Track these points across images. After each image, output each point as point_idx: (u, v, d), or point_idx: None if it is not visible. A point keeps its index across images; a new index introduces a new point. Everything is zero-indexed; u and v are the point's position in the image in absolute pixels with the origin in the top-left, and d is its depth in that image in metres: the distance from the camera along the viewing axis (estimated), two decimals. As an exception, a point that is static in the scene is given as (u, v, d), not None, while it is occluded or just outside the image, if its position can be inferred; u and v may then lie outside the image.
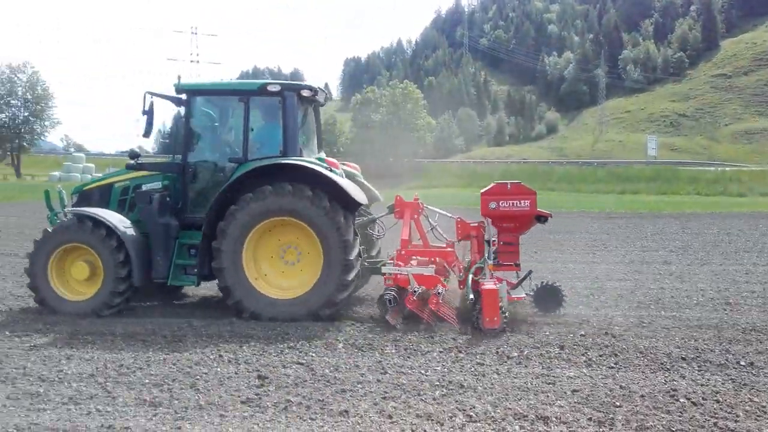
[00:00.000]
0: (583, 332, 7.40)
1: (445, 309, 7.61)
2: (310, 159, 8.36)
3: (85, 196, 8.88)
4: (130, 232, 8.10)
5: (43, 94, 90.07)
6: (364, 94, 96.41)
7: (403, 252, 8.36)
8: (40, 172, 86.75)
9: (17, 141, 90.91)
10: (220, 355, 6.44)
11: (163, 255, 8.15)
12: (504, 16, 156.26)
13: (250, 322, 7.73)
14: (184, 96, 8.56)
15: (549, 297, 8.26)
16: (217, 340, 7.05)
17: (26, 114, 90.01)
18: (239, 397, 5.31)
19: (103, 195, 8.80)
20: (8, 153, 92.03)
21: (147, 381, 5.67)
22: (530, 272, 8.39)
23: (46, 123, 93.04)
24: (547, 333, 7.36)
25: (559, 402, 5.24)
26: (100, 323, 7.64)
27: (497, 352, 6.58)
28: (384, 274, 8.12)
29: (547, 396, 5.38)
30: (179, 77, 8.57)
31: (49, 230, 8.24)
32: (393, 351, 6.68)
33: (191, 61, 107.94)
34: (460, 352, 6.62)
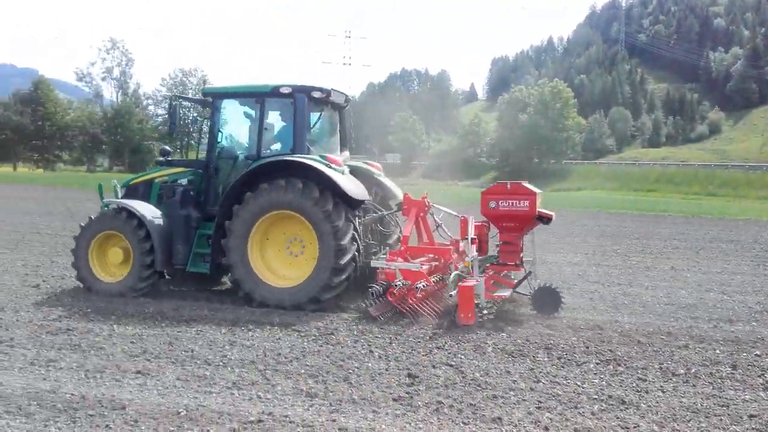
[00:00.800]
0: (758, 352, 6.73)
1: (425, 304, 7.79)
2: (312, 156, 8.56)
3: (131, 190, 9.62)
4: (158, 222, 8.83)
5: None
6: (511, 93, 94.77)
7: (402, 248, 8.50)
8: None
9: (186, 140, 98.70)
10: (371, 351, 6.53)
11: (183, 243, 8.88)
12: (665, 10, 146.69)
13: (400, 319, 7.79)
14: (209, 99, 9.30)
15: (547, 299, 8.11)
16: (367, 335, 7.15)
17: (196, 115, 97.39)
18: (391, 394, 5.33)
19: (145, 189, 9.54)
20: (179, 150, 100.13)
21: (303, 371, 5.85)
22: (530, 273, 8.41)
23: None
24: (717, 351, 6.76)
25: (734, 427, 4.78)
26: (260, 313, 8.03)
27: (660, 368, 6.13)
28: (376, 268, 8.31)
29: (720, 420, 4.91)
30: (204, 82, 8.94)
31: (92, 218, 9.11)
32: (546, 359, 6.42)
33: (344, 64, 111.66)
34: (619, 365, 6.23)
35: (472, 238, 8.33)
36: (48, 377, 5.51)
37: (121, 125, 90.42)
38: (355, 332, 7.28)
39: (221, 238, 8.49)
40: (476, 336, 7.17)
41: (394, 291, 7.74)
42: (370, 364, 6.10)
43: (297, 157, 8.44)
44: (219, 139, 9.31)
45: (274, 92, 8.82)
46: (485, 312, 7.66)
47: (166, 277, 9.28)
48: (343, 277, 8.16)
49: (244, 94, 9.41)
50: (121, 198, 9.48)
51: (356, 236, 8.35)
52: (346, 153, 9.83)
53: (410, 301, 7.78)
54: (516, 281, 8.55)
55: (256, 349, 6.53)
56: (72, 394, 5.07)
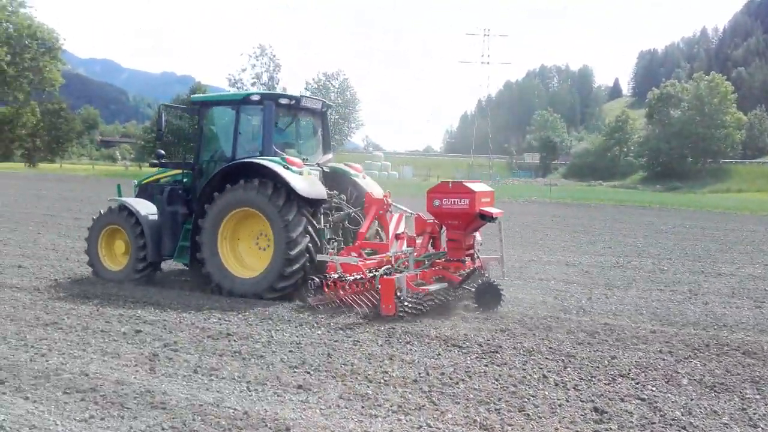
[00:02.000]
0: None
1: (361, 296, 8.08)
2: (272, 158, 9.06)
3: (143, 189, 10.56)
4: (151, 218, 9.80)
5: (351, 99, 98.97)
6: (662, 88, 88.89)
7: (356, 243, 9.04)
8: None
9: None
10: (544, 376, 5.86)
11: (170, 237, 9.81)
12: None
13: (571, 339, 7.07)
14: (196, 107, 10.21)
15: (488, 295, 8.36)
16: (536, 355, 6.49)
17: (336, 117, 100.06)
18: (577, 431, 4.66)
19: (152, 188, 10.46)
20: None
21: (471, 396, 5.31)
22: (474, 269, 8.59)
23: (353, 125, 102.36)
24: None
25: None
26: (415, 324, 7.61)
27: None
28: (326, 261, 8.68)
29: None
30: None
31: (101, 213, 10.28)
32: (757, 396, 5.44)
33: (482, 63, 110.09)
34: None
35: (396, 234, 8.92)
36: (211, 388, 5.37)
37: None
38: (521, 351, 6.64)
39: (196, 235, 9.30)
40: (664, 363, 6.29)
41: (329, 283, 8.14)
42: (546, 393, 5.43)
43: (256, 159, 9.07)
44: (203, 143, 10.11)
45: (246, 100, 9.68)
46: (407, 304, 7.75)
47: (160, 269, 10.43)
48: (296, 267, 8.66)
49: (223, 102, 10.41)
50: (135, 196, 10.44)
51: (310, 230, 8.82)
52: (329, 155, 10.57)
53: (341, 293, 8.13)
54: (462, 277, 8.56)
55: (417, 366, 6.08)
56: (235, 409, 4.86)
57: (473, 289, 8.59)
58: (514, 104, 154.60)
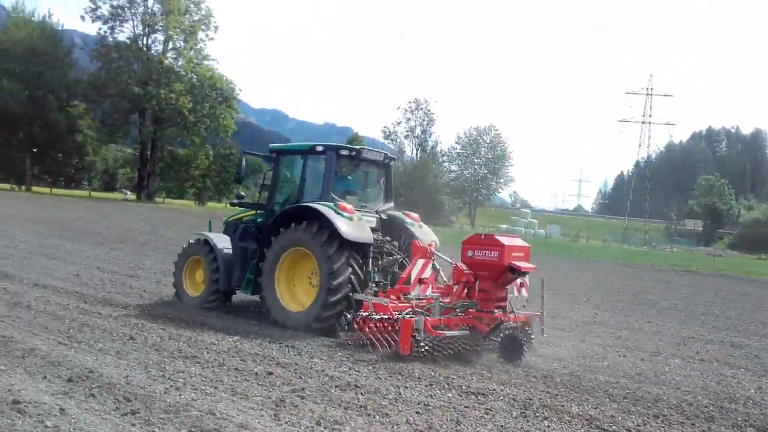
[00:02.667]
0: None
1: (384, 336, 8.40)
2: (326, 204, 9.63)
3: (227, 225, 11.47)
4: (226, 251, 10.78)
5: (502, 154, 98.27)
6: None
7: (397, 287, 9.49)
8: (490, 224, 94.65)
9: (475, 195, 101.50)
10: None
11: (240, 269, 10.63)
12: None
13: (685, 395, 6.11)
14: (273, 155, 11.05)
15: (511, 347, 8.55)
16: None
17: (485, 171, 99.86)
18: None
19: (233, 225, 11.31)
20: (466, 205, 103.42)
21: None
22: (501, 322, 8.79)
23: (501, 180, 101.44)
24: None
25: None
26: (555, 399, 6.99)
27: None
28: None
29: None
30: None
31: (187, 245, 11.36)
32: None
33: (643, 122, 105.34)
34: None
35: (420, 279, 9.10)
36: (332, 444, 5.16)
37: (417, 180, 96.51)
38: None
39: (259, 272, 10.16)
40: None
41: (358, 320, 8.54)
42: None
43: (311, 204, 9.75)
44: (276, 187, 11.01)
45: (312, 150, 10.37)
46: (423, 345, 8.02)
47: (230, 300, 11.29)
48: (338, 296, 9.18)
49: (294, 151, 11.11)
50: (222, 232, 11.34)
51: (352, 263, 9.37)
52: (390, 204, 11.14)
53: (366, 330, 8.45)
54: (507, 330, 8.87)
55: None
56: (353, 472, 4.59)
57: (498, 341, 8.86)
58: (677, 167, 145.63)
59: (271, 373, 7.06)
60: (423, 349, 8.05)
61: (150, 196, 73.23)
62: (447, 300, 9.14)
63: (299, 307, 9.70)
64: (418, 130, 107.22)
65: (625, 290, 21.75)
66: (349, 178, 11.04)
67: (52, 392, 5.74)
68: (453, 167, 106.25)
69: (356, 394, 6.59)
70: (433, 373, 7.67)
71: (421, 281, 9.13)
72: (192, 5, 73.35)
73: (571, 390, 7.50)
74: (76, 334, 8.18)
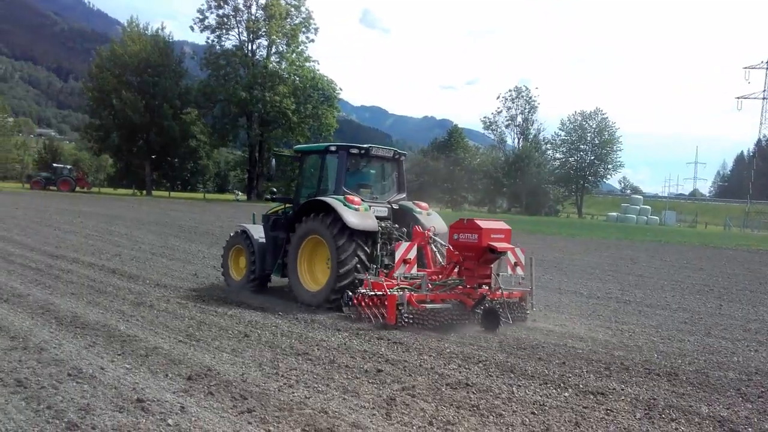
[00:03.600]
0: None
1: (367, 308, 9.57)
2: (336, 197, 10.78)
3: (266, 218, 12.51)
4: (260, 240, 12.05)
5: (610, 139, 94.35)
6: None
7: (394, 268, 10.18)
8: (598, 212, 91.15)
9: (581, 183, 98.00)
10: None
11: (272, 256, 11.92)
12: None
13: None
14: (298, 154, 12.61)
15: (490, 318, 9.46)
16: None
17: (592, 158, 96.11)
18: None
19: (269, 218, 12.47)
20: (573, 193, 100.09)
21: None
22: (484, 297, 9.66)
23: (610, 166, 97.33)
24: None
25: None
26: (681, 398, 6.52)
27: None
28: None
29: None
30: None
31: (231, 235, 12.84)
32: None
33: (764, 98, 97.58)
34: None
35: (404, 260, 9.91)
36: (446, 445, 5.03)
37: (520, 169, 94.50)
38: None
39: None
40: None
41: (357, 297, 9.70)
42: None
43: (323, 198, 10.89)
44: (301, 183, 12.38)
45: (327, 150, 11.63)
46: (405, 317, 9.14)
47: (267, 283, 12.42)
48: (344, 282, 10.32)
49: (314, 151, 12.20)
50: (261, 224, 12.53)
51: (359, 254, 10.49)
52: (402, 195, 12.18)
53: (362, 305, 9.63)
54: (486, 304, 9.69)
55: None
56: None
57: (480, 312, 9.71)
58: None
59: (380, 371, 7.03)
60: (405, 320, 9.20)
61: (260, 195, 76.13)
62: (440, 278, 10.25)
63: (317, 287, 10.87)
64: (519, 119, 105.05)
65: (752, 279, 20.20)
66: (363, 172, 12.15)
67: (173, 390, 5.96)
68: (557, 155, 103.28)
69: (468, 392, 6.43)
70: (546, 371, 7.39)
71: (405, 261, 9.98)
72: (293, 9, 75.45)
73: (699, 388, 7.00)
74: (194, 332, 8.52)
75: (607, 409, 6.10)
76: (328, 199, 10.72)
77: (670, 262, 24.70)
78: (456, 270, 10.10)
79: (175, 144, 75.06)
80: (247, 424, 5.19)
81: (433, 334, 9.03)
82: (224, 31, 75.34)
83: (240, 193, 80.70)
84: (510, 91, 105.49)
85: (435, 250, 10.98)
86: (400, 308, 9.19)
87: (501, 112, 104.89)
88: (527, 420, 5.68)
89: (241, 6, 74.80)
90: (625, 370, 7.62)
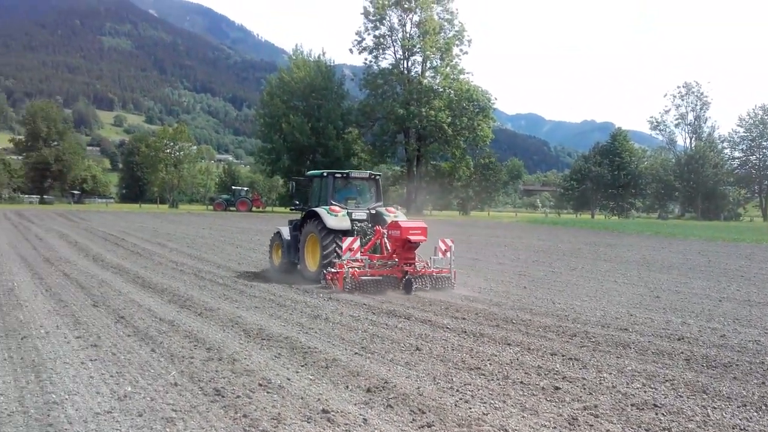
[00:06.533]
0: None
1: (330, 281, 14.02)
2: (323, 207, 15.31)
3: (290, 223, 17.00)
4: (287, 238, 16.46)
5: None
6: None
7: (363, 250, 14.58)
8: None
9: (766, 183, 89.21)
10: None
11: (294, 250, 16.22)
12: None
13: None
14: (309, 179, 17.26)
15: (407, 286, 13.78)
16: None
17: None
18: None
19: (294, 222, 16.75)
20: (756, 195, 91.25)
21: None
22: (407, 273, 13.90)
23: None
24: None
25: None
26: None
27: None
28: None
29: None
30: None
31: (273, 235, 17.42)
32: None
33: None
34: None
35: (350, 248, 14.09)
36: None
37: (694, 171, 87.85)
38: None
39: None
40: None
41: (327, 273, 14.07)
42: None
43: (313, 209, 15.44)
44: (311, 197, 16.81)
45: (322, 175, 16.22)
46: (348, 285, 13.44)
47: (296, 268, 16.26)
48: (326, 262, 14.51)
49: (316, 176, 16.71)
50: (289, 227, 16.89)
51: (336, 245, 14.57)
52: (379, 203, 16.38)
53: (328, 278, 14.03)
54: (406, 277, 13.87)
55: None
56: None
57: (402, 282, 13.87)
58: None
59: (558, 389, 6.80)
60: (348, 288, 13.44)
61: (418, 209, 77.34)
62: (384, 259, 14.47)
63: (315, 268, 15.04)
64: (690, 117, 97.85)
65: None
66: (349, 188, 16.52)
67: (354, 402, 6.18)
68: (736, 153, 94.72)
69: (656, 414, 6.03)
70: (744, 392, 6.75)
71: (350, 249, 14.08)
72: (446, 23, 76.21)
73: None
74: (368, 344, 8.79)
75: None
76: (318, 209, 15.24)
77: None
78: (394, 254, 14.27)
79: (339, 163, 78.56)
80: (428, 439, 5.24)
81: (612, 350, 8.58)
82: (380, 50, 77.88)
83: (399, 207, 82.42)
84: (679, 87, 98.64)
85: (386, 242, 14.61)
86: (345, 279, 13.47)
87: (669, 110, 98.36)
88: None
89: (396, 25, 76.98)
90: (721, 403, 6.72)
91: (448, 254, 14.68)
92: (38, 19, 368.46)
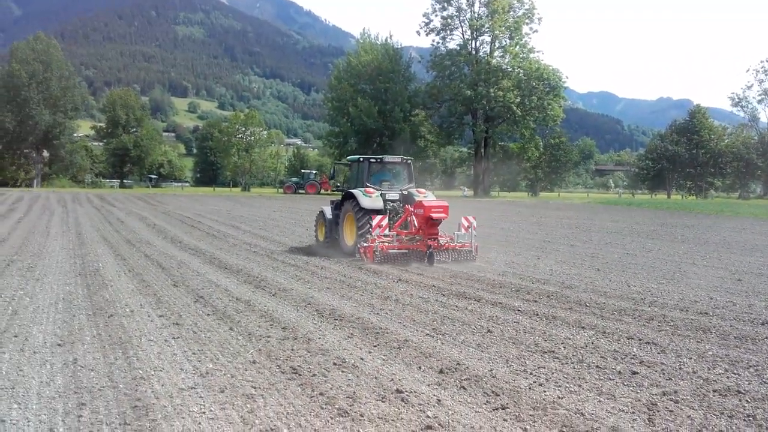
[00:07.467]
0: None
1: (363, 255, 15.66)
2: (360, 189, 16.90)
3: (332, 203, 18.42)
4: (329, 216, 17.98)
5: None
6: None
7: (393, 230, 16.26)
8: None
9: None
10: None
11: (335, 226, 17.77)
12: None
13: None
14: (349, 163, 19.42)
15: (429, 258, 15.02)
16: None
17: None
18: None
19: (336, 203, 18.22)
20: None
21: None
22: (430, 246, 15.11)
23: None
24: None
25: None
26: None
27: None
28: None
29: None
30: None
31: (318, 213, 18.99)
32: None
33: None
34: None
35: (379, 225, 15.85)
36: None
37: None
38: None
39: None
40: None
41: (363, 244, 15.73)
42: None
43: (352, 190, 17.00)
44: (351, 179, 18.63)
45: (358, 161, 18.03)
46: (377, 257, 15.12)
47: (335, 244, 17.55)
48: (360, 239, 15.99)
49: (355, 161, 18.39)
50: (331, 207, 18.39)
51: (369, 222, 15.96)
52: (411, 185, 17.88)
53: (361, 251, 15.66)
54: (429, 250, 15.15)
55: None
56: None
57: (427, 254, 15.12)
58: None
59: (636, 373, 6.65)
60: (378, 260, 15.03)
61: (486, 190, 76.49)
62: (411, 235, 15.86)
63: (351, 243, 16.58)
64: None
65: None
66: (384, 171, 18.02)
67: (427, 383, 6.24)
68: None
69: (740, 400, 5.83)
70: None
71: (380, 227, 15.72)
72: (515, 1, 74.53)
73: None
74: (439, 326, 8.81)
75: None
76: (354, 191, 16.80)
77: None
78: (420, 230, 15.51)
79: (405, 145, 78.53)
80: (503, 421, 5.24)
81: (691, 336, 8.31)
82: (448, 31, 76.97)
83: (466, 189, 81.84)
84: (762, 62, 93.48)
85: (413, 219, 15.82)
86: (375, 252, 15.08)
87: (752, 86, 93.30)
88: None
89: (464, 5, 75.84)
90: None
91: (471, 230, 16.08)
92: (116, 11, 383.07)
